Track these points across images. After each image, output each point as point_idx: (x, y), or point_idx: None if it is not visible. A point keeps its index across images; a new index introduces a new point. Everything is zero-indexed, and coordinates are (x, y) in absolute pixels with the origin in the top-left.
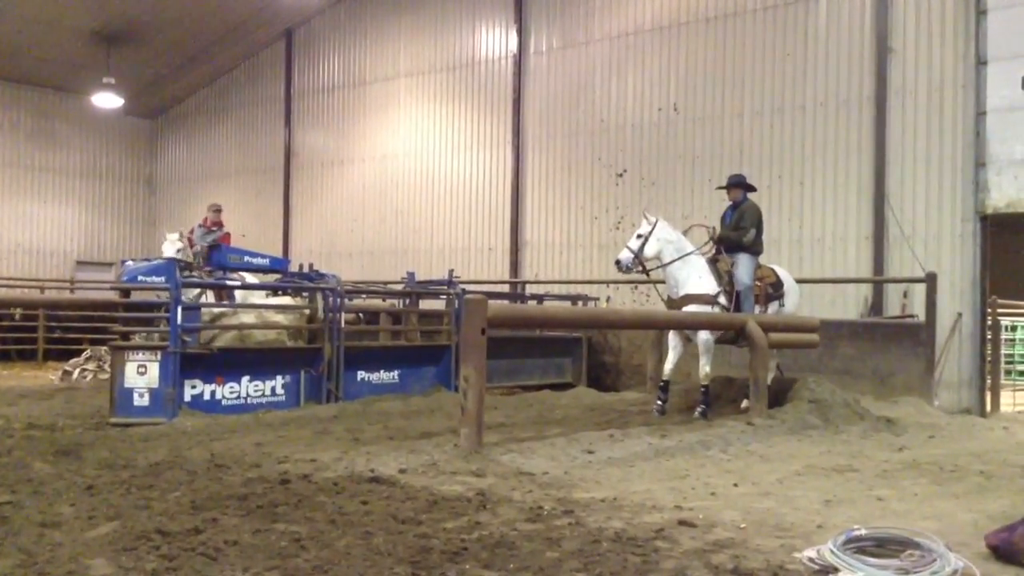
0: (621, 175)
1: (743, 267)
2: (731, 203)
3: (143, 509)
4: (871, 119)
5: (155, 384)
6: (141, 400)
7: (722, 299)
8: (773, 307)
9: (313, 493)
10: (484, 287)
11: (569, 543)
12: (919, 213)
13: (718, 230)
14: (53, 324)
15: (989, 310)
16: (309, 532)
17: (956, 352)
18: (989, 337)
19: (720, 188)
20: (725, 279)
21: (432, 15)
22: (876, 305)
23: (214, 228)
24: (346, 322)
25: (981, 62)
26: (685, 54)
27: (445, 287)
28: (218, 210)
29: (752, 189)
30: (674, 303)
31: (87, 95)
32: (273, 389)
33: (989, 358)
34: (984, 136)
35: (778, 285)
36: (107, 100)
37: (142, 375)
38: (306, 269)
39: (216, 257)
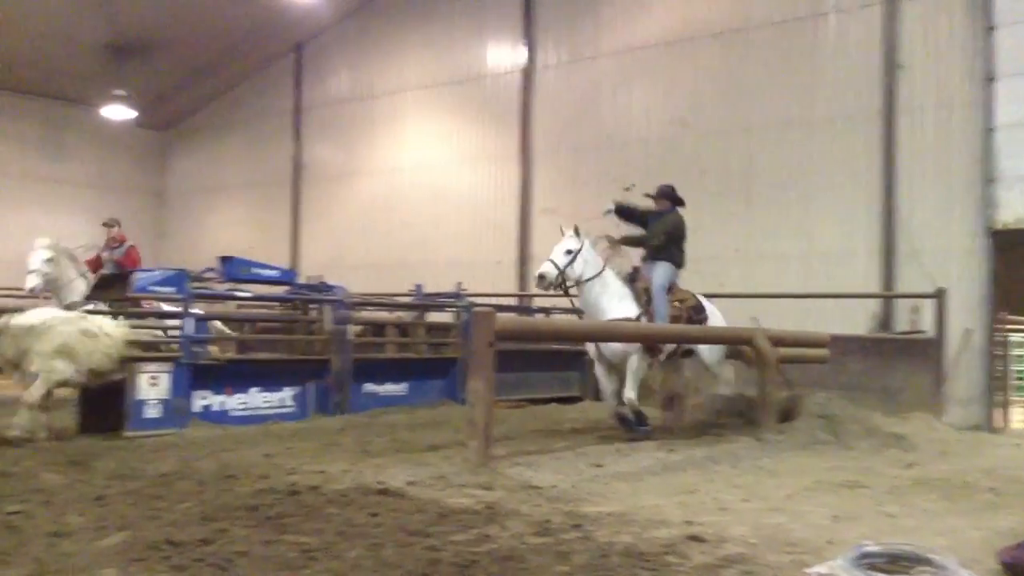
0: (628, 189)
1: (659, 272)
2: (657, 211)
3: (153, 519)
4: (879, 135)
5: (166, 395)
6: (153, 411)
7: (644, 321)
8: None
9: (322, 505)
10: (492, 300)
11: (578, 557)
12: (928, 229)
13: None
14: None
15: (998, 326)
16: (318, 543)
17: (965, 368)
18: (999, 353)
19: (648, 196)
20: (643, 299)
21: (441, 29)
22: (885, 321)
23: (116, 245)
24: (354, 334)
25: (990, 78)
26: (693, 69)
27: (453, 300)
28: (110, 225)
29: (680, 203)
30: None
31: (98, 107)
32: (282, 400)
33: (999, 374)
34: (993, 152)
35: (699, 309)
36: (118, 112)
37: (153, 386)
38: (315, 281)
39: (228, 269)
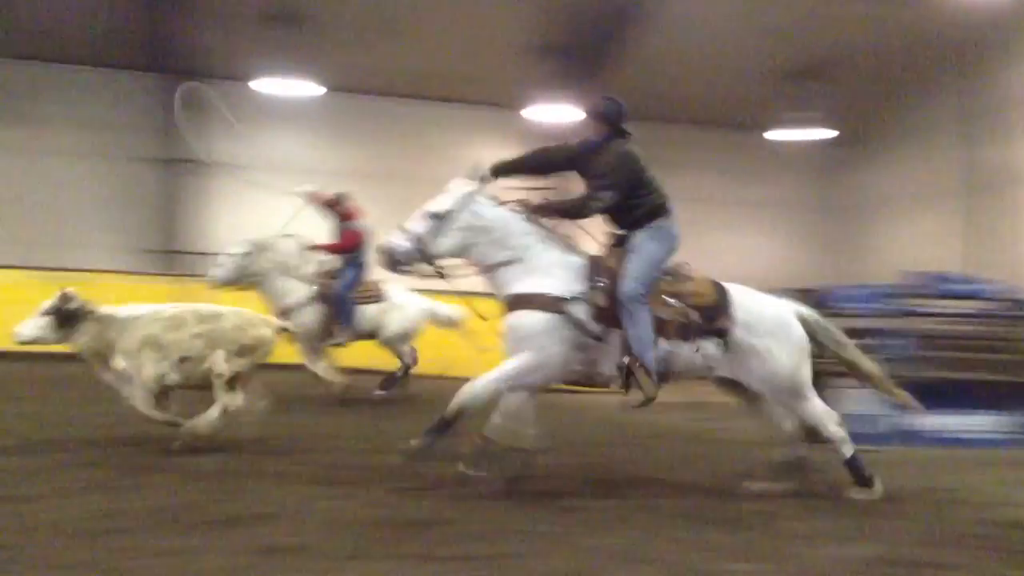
0: None
1: (640, 257)
2: (591, 142)
3: (876, 535)
4: None
5: (861, 411)
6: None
7: (576, 309)
8: (706, 347)
9: None
10: None
11: None
12: None
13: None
14: None
15: None
16: None
17: None
18: None
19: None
20: (608, 281)
21: None
22: None
23: (344, 217)
24: None
25: None
26: None
27: None
28: (331, 203)
29: (625, 133)
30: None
31: (768, 131)
32: (986, 424)
33: None
34: None
35: (718, 310)
36: (787, 134)
37: (847, 402)
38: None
39: (934, 285)
